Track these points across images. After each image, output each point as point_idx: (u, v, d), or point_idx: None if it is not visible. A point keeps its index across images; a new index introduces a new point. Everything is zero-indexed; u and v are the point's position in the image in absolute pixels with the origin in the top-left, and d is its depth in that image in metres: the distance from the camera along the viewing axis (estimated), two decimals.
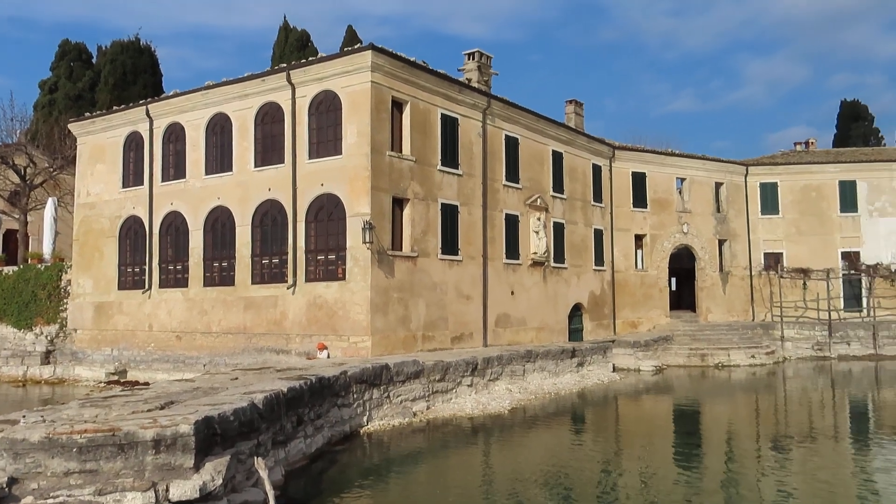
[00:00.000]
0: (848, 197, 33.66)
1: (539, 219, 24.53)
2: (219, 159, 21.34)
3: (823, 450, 13.58)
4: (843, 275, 32.94)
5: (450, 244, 20.70)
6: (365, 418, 14.11)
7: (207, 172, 21.54)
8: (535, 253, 24.26)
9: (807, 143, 38.83)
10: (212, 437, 8.13)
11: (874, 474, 11.56)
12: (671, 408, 19.43)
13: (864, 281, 32.62)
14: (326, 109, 19.10)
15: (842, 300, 32.59)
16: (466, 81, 23.00)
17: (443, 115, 20.74)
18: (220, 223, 21.16)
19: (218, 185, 21.20)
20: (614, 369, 24.30)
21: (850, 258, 33.16)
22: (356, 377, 13.84)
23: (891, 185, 33.61)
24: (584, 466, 12.08)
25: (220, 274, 21.11)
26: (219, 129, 21.40)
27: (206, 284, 21.33)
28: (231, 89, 20.87)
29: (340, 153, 18.65)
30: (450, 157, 20.96)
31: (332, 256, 18.77)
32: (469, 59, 24.59)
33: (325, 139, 19.11)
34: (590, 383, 21.32)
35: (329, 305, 18.55)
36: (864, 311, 32.14)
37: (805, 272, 32.44)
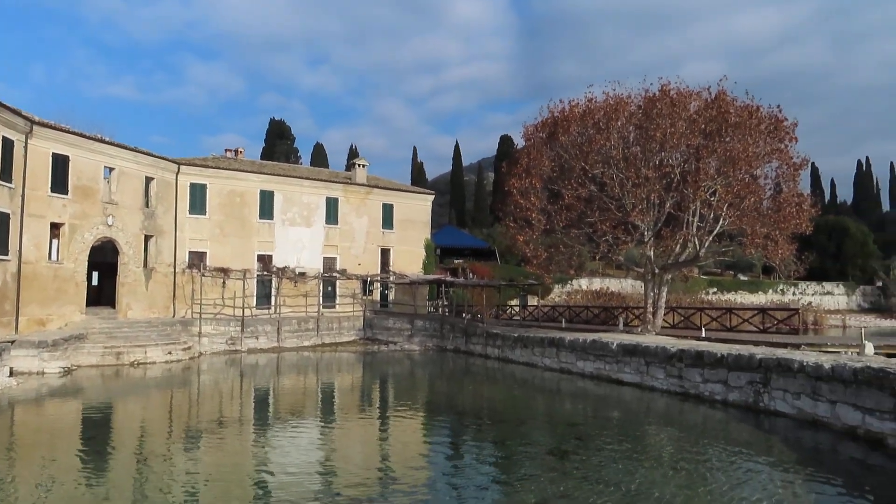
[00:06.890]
0: (266, 206, 37.49)
1: None
2: None
3: (230, 438, 14.65)
4: (258, 275, 36.42)
5: None
6: None
7: None
8: None
9: (236, 151, 41.73)
10: None
11: (272, 457, 12.98)
12: (80, 412, 17.94)
13: (274, 281, 36.69)
14: None
15: (255, 298, 35.97)
16: None
17: None
18: None
19: None
20: (11, 373, 21.26)
21: (265, 260, 36.97)
22: None
23: (301, 199, 38.76)
24: None
25: None
26: None
27: None
28: None
29: None
30: None
31: None
32: None
33: None
34: None
35: None
36: (273, 308, 36.08)
37: (225, 271, 34.75)
